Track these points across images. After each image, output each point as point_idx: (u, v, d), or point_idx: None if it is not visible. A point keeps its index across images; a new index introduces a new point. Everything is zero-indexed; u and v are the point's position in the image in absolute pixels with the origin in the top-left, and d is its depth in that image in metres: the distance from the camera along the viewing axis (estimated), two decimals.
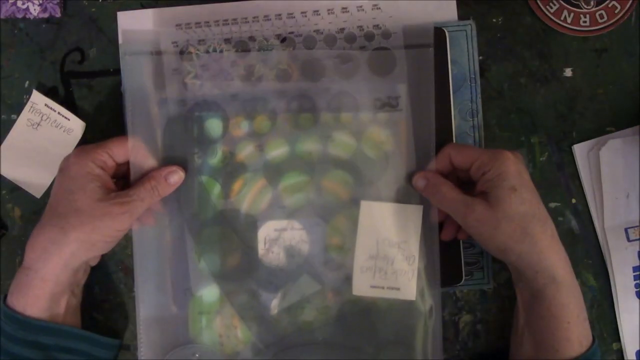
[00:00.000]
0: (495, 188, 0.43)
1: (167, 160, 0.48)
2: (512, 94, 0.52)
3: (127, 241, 0.51)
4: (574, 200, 0.52)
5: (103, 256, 0.50)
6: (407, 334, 0.48)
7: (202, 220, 0.49)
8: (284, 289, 0.48)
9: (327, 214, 0.49)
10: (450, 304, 0.52)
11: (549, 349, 0.43)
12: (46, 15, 0.52)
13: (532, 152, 0.52)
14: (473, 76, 0.51)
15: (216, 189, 0.49)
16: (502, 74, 0.52)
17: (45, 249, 0.44)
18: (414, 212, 0.48)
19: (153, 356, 0.48)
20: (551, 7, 0.52)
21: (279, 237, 0.49)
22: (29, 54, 0.53)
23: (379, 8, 0.50)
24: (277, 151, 0.49)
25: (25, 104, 0.51)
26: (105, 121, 0.52)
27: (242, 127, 0.49)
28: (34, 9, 0.52)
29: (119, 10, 0.52)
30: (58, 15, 0.52)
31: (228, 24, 0.49)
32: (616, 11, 0.52)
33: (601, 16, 0.52)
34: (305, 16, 0.49)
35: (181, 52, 0.49)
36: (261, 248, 0.48)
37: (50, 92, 0.52)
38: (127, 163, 0.47)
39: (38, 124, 0.51)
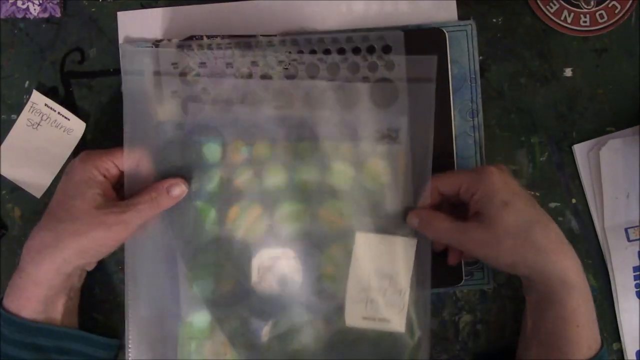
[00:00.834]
0: (487, 207, 0.43)
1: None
2: (512, 94, 0.52)
3: None
4: (574, 200, 0.52)
5: None
6: None
7: (195, 245, 0.48)
8: (275, 317, 0.48)
9: (322, 244, 0.48)
10: (450, 304, 0.52)
11: (557, 352, 0.43)
12: (46, 15, 0.52)
13: (532, 152, 0.52)
14: (473, 76, 0.51)
15: (212, 215, 0.48)
16: (502, 74, 0.52)
17: (39, 252, 0.44)
18: (408, 245, 0.48)
19: None
20: (551, 7, 0.52)
21: (273, 266, 0.48)
22: (29, 54, 0.53)
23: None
24: (275, 179, 0.48)
25: (25, 104, 0.51)
26: (105, 121, 0.52)
27: (241, 153, 0.48)
28: (34, 9, 0.52)
29: (119, 10, 0.52)
30: (58, 15, 0.52)
31: (231, 47, 0.48)
32: (616, 11, 0.52)
33: (601, 16, 0.52)
34: (310, 42, 0.48)
35: (181, 74, 0.48)
36: (254, 276, 0.48)
37: (50, 92, 0.52)
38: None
39: (38, 124, 0.51)
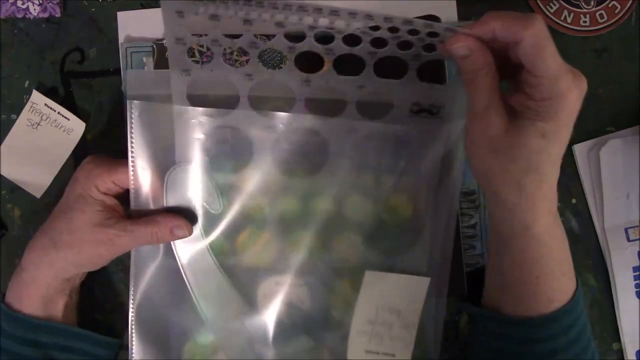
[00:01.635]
0: (528, 121, 0.35)
1: (171, 209, 0.46)
2: None
3: None
4: (574, 200, 0.52)
5: None
6: None
7: (202, 270, 0.47)
8: (279, 343, 0.47)
9: (332, 276, 0.47)
10: (450, 304, 0.52)
11: (513, 297, 0.40)
12: (46, 15, 0.52)
13: None
14: None
15: (219, 240, 0.47)
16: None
17: (39, 255, 0.44)
18: (420, 284, 0.46)
19: None
20: (551, 7, 0.52)
21: (279, 292, 0.47)
22: (29, 54, 0.53)
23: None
24: (288, 207, 0.46)
25: (25, 104, 0.51)
26: (105, 121, 0.52)
27: (253, 180, 0.46)
28: (34, 9, 0.52)
29: (119, 10, 0.52)
30: (58, 15, 0.52)
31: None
32: (616, 11, 0.52)
33: (601, 16, 0.52)
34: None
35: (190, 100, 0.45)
36: (261, 301, 0.47)
37: (50, 92, 0.52)
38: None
39: (38, 124, 0.51)
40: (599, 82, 0.52)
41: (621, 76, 0.52)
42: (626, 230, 0.52)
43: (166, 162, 0.45)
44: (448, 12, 0.52)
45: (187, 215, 0.46)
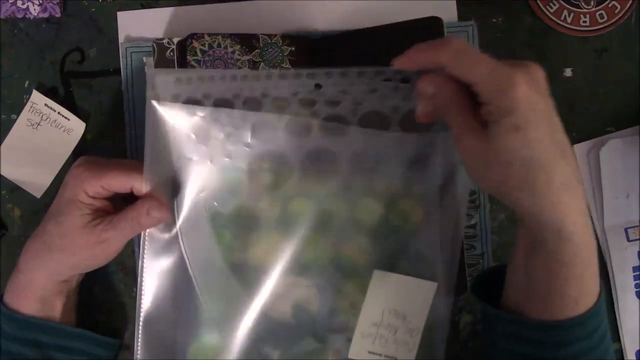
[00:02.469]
0: (495, 124, 0.35)
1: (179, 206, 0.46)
2: None
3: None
4: None
5: None
6: None
7: (210, 269, 0.46)
8: (285, 344, 0.47)
9: (340, 278, 0.46)
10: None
11: (539, 300, 0.39)
12: (46, 15, 0.52)
13: None
14: None
15: (227, 240, 0.46)
16: None
17: (33, 258, 0.44)
18: (427, 288, 0.46)
19: None
20: (551, 7, 0.52)
21: (287, 293, 0.46)
22: (29, 54, 0.52)
23: None
24: (299, 208, 0.46)
25: (25, 104, 0.51)
26: (105, 121, 0.52)
27: (263, 181, 0.46)
28: (34, 9, 0.52)
29: (119, 10, 0.52)
30: (58, 15, 0.52)
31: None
32: (616, 11, 0.52)
33: (601, 16, 0.52)
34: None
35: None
36: (268, 301, 0.46)
37: (50, 92, 0.52)
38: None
39: (38, 124, 0.51)
40: (599, 82, 0.52)
41: (621, 76, 0.52)
42: (626, 230, 0.52)
43: (180, 162, 0.45)
44: (448, 12, 0.52)
45: (192, 213, 0.46)
